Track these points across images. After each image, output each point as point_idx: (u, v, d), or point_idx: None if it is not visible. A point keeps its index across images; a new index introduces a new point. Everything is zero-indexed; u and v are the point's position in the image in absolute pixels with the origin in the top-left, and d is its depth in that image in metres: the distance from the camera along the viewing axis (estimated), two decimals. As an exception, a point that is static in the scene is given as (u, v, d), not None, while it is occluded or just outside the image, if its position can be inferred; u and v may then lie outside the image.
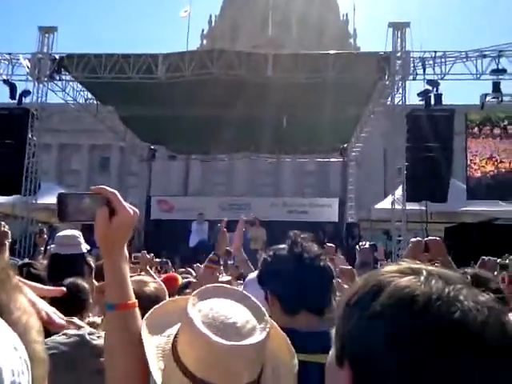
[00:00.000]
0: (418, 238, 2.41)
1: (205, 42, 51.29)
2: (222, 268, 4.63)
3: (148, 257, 4.49)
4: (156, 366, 1.12)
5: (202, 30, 54.56)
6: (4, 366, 0.49)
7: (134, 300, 1.23)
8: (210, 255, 2.96)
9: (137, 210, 1.25)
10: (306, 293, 1.68)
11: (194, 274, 5.36)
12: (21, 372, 0.51)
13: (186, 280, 4.21)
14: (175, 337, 1.15)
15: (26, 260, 5.50)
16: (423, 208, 12.90)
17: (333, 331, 1.73)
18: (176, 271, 7.02)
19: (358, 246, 4.27)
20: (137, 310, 1.23)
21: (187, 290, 3.41)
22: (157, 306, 1.28)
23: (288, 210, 17.96)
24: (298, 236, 1.82)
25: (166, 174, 29.07)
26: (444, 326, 0.58)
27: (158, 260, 8.82)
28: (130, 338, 1.19)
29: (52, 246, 3.74)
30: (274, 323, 1.25)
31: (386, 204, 15.46)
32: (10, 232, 4.00)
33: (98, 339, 2.05)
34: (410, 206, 12.66)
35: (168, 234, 15.16)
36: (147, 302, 1.60)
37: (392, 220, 12.96)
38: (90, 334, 1.97)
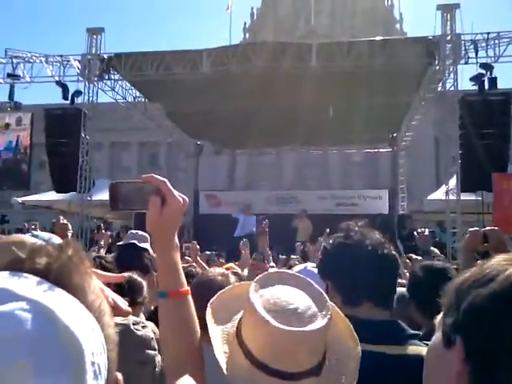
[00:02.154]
0: (476, 228, 2.29)
1: (247, 35, 51.34)
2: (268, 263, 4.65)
3: (197, 247, 4.56)
4: (221, 350, 1.14)
5: (245, 24, 54.68)
6: (85, 347, 0.50)
7: (186, 287, 1.23)
8: (254, 255, 2.98)
9: (186, 198, 1.24)
10: (369, 283, 1.59)
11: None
12: (99, 353, 0.53)
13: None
14: (239, 321, 1.16)
15: (102, 253, 5.72)
16: (479, 198, 12.36)
17: (399, 321, 1.66)
18: (222, 265, 7.08)
19: (416, 233, 4.08)
20: (189, 297, 1.24)
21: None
22: (222, 291, 1.29)
23: (337, 203, 17.73)
24: (354, 224, 1.73)
25: (212, 168, 29.43)
26: None
27: (207, 253, 8.95)
28: (183, 325, 1.21)
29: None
30: (338, 310, 1.24)
31: (439, 195, 14.95)
32: (69, 224, 4.16)
33: (143, 329, 2.05)
34: (465, 197, 12.17)
35: (216, 228, 15.32)
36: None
37: (446, 211, 12.51)
38: (134, 323, 1.97)
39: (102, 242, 6.54)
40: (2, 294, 0.49)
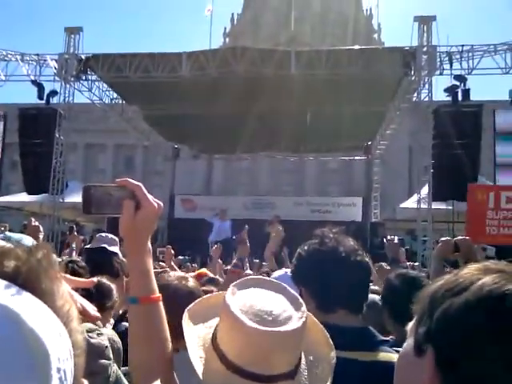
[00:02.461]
0: (448, 238, 2.36)
1: (227, 40, 51.45)
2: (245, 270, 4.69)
3: (172, 252, 4.55)
4: (196, 355, 1.13)
5: (225, 29, 54.79)
6: (51, 352, 0.49)
7: (157, 294, 1.22)
8: (234, 261, 2.98)
9: (161, 203, 1.22)
10: (343, 290, 1.61)
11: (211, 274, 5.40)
12: (65, 359, 0.52)
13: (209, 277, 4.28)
14: (216, 327, 1.16)
15: (74, 256, 5.61)
16: (450, 207, 12.63)
17: (370, 328, 1.69)
18: (195, 270, 7.05)
19: (385, 240, 4.11)
20: (160, 304, 1.22)
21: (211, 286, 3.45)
22: (201, 298, 1.30)
23: (311, 209, 17.88)
24: (329, 231, 1.74)
25: (189, 173, 29.27)
26: None
27: (180, 258, 8.89)
28: (153, 331, 1.19)
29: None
30: (313, 316, 1.25)
31: (411, 203, 15.21)
32: (41, 226, 4.11)
33: (98, 337, 1.98)
34: (437, 206, 12.41)
35: (191, 233, 15.24)
36: (189, 297, 1.64)
37: (418, 220, 12.73)
38: (89, 331, 1.91)
39: (74, 245, 6.43)
40: None
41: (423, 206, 12.66)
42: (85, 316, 0.72)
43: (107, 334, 2.47)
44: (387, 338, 1.66)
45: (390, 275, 2.83)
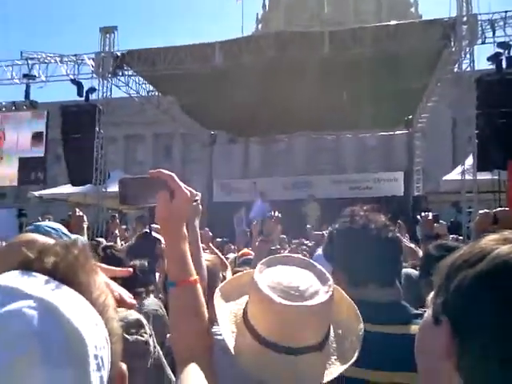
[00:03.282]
0: (486, 210, 2.31)
1: (260, 26, 50.84)
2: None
3: (210, 234, 4.67)
4: (228, 329, 1.19)
5: (257, 15, 54.12)
6: (88, 341, 0.54)
7: (195, 277, 1.26)
8: (262, 237, 3.03)
9: (193, 191, 1.28)
10: (373, 266, 1.61)
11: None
12: (102, 347, 0.57)
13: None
14: (246, 303, 1.21)
15: (118, 243, 5.83)
16: (495, 177, 12.23)
17: (403, 302, 1.71)
18: (236, 251, 7.18)
19: (420, 217, 3.98)
20: (198, 286, 1.27)
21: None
22: (233, 277, 1.37)
23: (350, 187, 17.67)
24: (359, 208, 1.75)
25: (226, 158, 29.41)
26: None
27: (218, 240, 9.05)
28: (191, 310, 1.25)
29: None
30: (341, 290, 1.28)
31: (455, 175, 14.80)
32: (85, 216, 4.27)
33: (136, 335, 2.03)
34: (482, 176, 12.04)
35: (230, 216, 15.40)
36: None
37: (462, 191, 12.39)
38: (127, 331, 1.96)
39: (117, 232, 6.60)
40: (12, 293, 0.53)
41: (468, 177, 12.30)
42: (122, 304, 0.76)
43: (150, 305, 2.53)
44: (420, 312, 1.62)
45: (429, 246, 2.82)
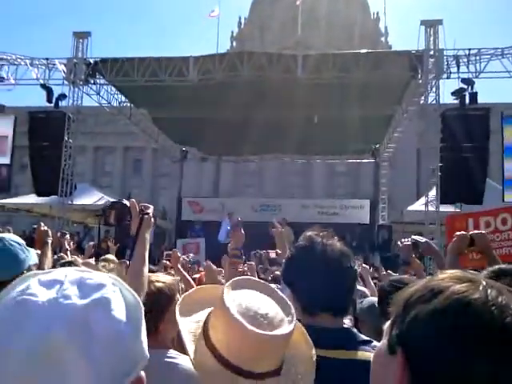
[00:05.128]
0: (463, 232, 2.34)
1: (234, 43, 51.55)
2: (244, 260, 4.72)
3: (178, 255, 4.60)
4: (192, 349, 1.19)
5: (232, 32, 54.90)
6: (141, 308, 0.74)
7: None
8: (233, 251, 2.97)
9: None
10: (327, 294, 1.61)
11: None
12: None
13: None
14: (206, 322, 1.22)
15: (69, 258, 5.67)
16: (458, 210, 12.58)
17: (353, 329, 1.72)
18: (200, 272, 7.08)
19: (399, 243, 4.03)
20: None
21: None
22: (188, 293, 1.38)
23: (319, 212, 17.87)
24: (317, 234, 1.73)
25: (197, 175, 29.35)
26: (496, 327, 0.64)
27: (185, 258, 8.90)
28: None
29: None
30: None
31: (418, 206, 15.16)
32: (49, 231, 4.14)
33: None
34: (444, 208, 12.37)
35: (198, 235, 15.29)
36: (153, 296, 1.97)
37: (425, 222, 12.70)
38: None
39: (67, 247, 6.38)
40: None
41: (431, 208, 12.62)
42: None
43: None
44: (369, 339, 1.65)
45: (382, 283, 2.85)
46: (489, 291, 0.67)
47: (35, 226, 4.74)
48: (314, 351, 1.26)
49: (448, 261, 2.28)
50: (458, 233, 2.34)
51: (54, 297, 0.66)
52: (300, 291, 1.66)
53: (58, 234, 6.46)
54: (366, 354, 1.53)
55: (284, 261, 1.84)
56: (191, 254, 7.87)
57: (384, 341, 0.75)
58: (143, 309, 0.74)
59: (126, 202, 1.88)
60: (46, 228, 4.16)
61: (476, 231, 2.33)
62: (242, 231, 3.13)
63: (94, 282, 0.70)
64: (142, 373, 0.73)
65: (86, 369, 0.63)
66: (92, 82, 14.11)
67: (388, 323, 0.76)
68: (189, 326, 1.24)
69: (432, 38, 12.28)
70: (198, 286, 1.45)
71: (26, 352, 0.62)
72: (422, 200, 14.09)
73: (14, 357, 0.61)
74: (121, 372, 0.66)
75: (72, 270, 0.72)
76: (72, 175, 14.01)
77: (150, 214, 1.85)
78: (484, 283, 0.69)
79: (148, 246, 1.79)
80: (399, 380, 0.68)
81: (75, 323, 0.64)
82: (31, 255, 2.43)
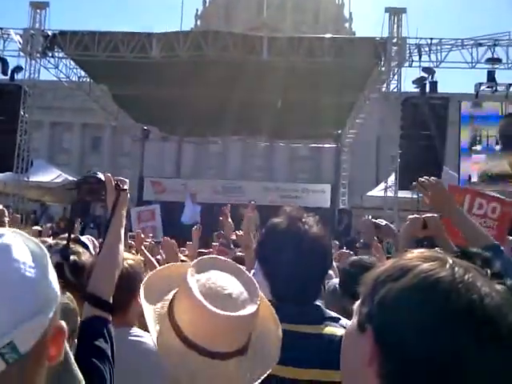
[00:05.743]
0: (416, 215, 2.36)
1: (199, 22, 50.61)
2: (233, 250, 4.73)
3: (142, 236, 4.56)
4: (154, 328, 1.18)
5: (197, 10, 53.83)
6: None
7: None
8: (221, 240, 2.96)
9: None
10: (296, 285, 1.57)
11: (187, 252, 5.43)
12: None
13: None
14: (171, 302, 1.21)
15: None
16: (415, 196, 12.95)
17: (320, 305, 1.72)
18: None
19: (362, 221, 3.96)
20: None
21: None
22: (153, 272, 1.37)
23: (281, 195, 17.99)
24: (298, 212, 1.68)
25: (158, 155, 28.96)
26: (462, 305, 0.65)
27: (147, 240, 8.82)
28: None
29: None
30: (262, 294, 1.29)
31: (378, 191, 15.51)
32: (5, 210, 4.01)
33: None
34: (403, 194, 12.71)
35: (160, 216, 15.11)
36: (125, 274, 1.86)
37: (384, 207, 13.01)
38: None
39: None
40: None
41: (390, 194, 12.94)
42: None
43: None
44: (337, 316, 1.64)
45: (343, 263, 2.86)
46: (456, 269, 0.69)
47: None
48: (280, 329, 1.27)
49: (401, 246, 2.31)
50: (410, 216, 2.37)
51: None
52: (270, 276, 1.62)
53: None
54: (333, 329, 1.54)
55: (258, 238, 1.80)
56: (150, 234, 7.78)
57: (354, 320, 0.77)
58: (49, 257, 0.74)
59: (100, 175, 1.73)
60: (1, 207, 4.04)
61: (429, 214, 2.36)
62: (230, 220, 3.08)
63: None
64: (63, 322, 0.73)
65: None
66: (50, 54, 13.54)
67: (357, 303, 0.77)
68: (155, 304, 1.23)
69: (396, 26, 12.46)
70: (166, 265, 1.43)
71: None
72: (381, 186, 14.43)
73: None
74: (33, 311, 0.67)
75: None
76: (28, 151, 13.54)
77: (127, 190, 1.75)
78: (451, 261, 0.70)
79: (124, 224, 1.71)
80: (369, 355, 0.70)
81: None
82: None
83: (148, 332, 1.20)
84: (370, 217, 3.78)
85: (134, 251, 4.70)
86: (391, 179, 12.99)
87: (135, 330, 2.02)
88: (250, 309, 1.13)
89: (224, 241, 2.91)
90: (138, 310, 2.03)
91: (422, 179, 2.21)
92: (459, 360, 0.64)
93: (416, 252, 0.75)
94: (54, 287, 0.72)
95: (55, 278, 0.73)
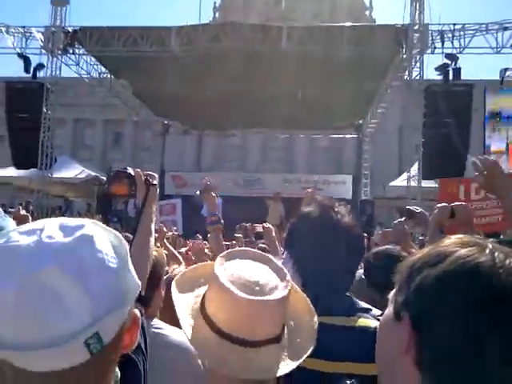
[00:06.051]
0: (444, 204, 2.31)
1: (217, 14, 50.54)
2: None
3: (165, 230, 4.61)
4: (186, 323, 1.19)
5: (214, 3, 53.77)
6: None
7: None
8: (211, 217, 2.92)
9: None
10: (328, 275, 1.53)
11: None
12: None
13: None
14: (204, 295, 1.22)
15: None
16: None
17: (352, 296, 1.69)
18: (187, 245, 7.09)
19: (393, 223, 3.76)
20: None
21: None
22: (188, 269, 1.38)
23: (301, 187, 17.89)
24: (330, 201, 1.63)
25: (179, 148, 29.05)
26: (506, 291, 0.64)
27: (170, 234, 8.92)
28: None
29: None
30: (296, 286, 1.29)
31: (401, 181, 15.29)
32: (29, 216, 4.09)
33: None
34: (426, 184, 12.52)
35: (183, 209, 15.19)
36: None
37: (408, 197, 12.84)
38: None
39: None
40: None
41: (413, 183, 12.75)
42: None
43: None
44: (369, 307, 1.60)
45: (368, 254, 2.79)
46: (496, 254, 0.67)
47: (14, 211, 4.68)
48: (316, 319, 1.26)
49: (430, 233, 2.28)
50: (438, 205, 2.33)
51: (38, 239, 0.67)
52: (303, 266, 1.58)
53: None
54: (367, 321, 1.52)
55: (288, 227, 1.74)
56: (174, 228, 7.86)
57: (390, 308, 0.76)
58: (128, 248, 0.75)
59: (130, 170, 1.72)
60: (24, 212, 4.14)
61: (457, 203, 2.31)
62: (213, 194, 3.05)
63: (73, 223, 0.71)
64: (137, 311, 0.75)
65: (85, 300, 0.64)
66: (71, 51, 13.71)
67: (393, 292, 0.76)
68: (188, 299, 1.24)
69: (417, 13, 12.21)
70: (201, 263, 1.43)
71: (20, 289, 0.62)
72: (404, 175, 14.22)
73: (8, 296, 0.62)
74: (116, 301, 0.67)
75: (48, 219, 0.73)
76: (52, 148, 13.76)
77: (157, 185, 1.75)
78: (490, 246, 0.69)
79: (154, 218, 1.71)
80: (406, 343, 0.69)
81: (65, 258, 0.65)
82: (9, 223, 2.37)
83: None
84: (402, 219, 3.40)
85: (158, 244, 4.75)
86: (414, 168, 12.79)
87: (156, 322, 2.03)
88: (278, 294, 1.13)
89: (213, 217, 2.81)
90: (159, 302, 2.05)
91: (477, 159, 2.12)
92: (501, 347, 0.62)
93: (453, 238, 0.73)
94: (133, 278, 0.73)
95: (133, 269, 0.74)
